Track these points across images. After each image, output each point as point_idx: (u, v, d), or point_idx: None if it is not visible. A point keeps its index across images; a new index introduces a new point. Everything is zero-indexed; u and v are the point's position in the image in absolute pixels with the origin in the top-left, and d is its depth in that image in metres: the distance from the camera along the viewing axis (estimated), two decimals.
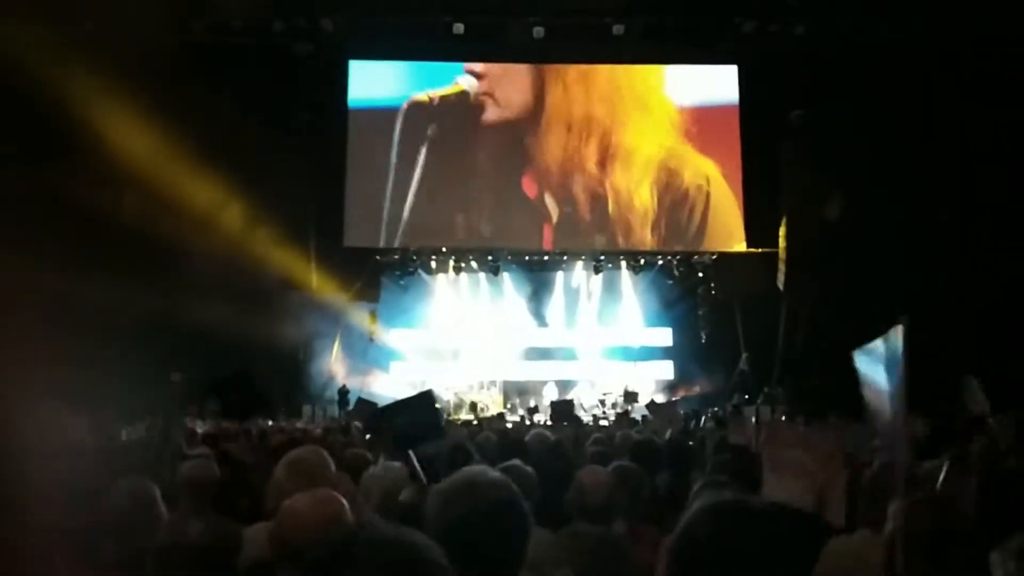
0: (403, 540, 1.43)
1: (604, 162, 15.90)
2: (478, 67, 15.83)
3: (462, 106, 15.72)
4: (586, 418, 13.17)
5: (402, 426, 4.29)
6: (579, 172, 15.92)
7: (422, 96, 15.54)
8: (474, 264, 17.41)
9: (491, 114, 15.74)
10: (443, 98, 15.60)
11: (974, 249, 13.54)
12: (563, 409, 8.55)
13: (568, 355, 17.58)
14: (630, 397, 14.88)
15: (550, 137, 15.82)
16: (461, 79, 15.74)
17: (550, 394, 16.59)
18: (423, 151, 15.46)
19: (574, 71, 16.09)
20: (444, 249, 16.59)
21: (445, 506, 1.68)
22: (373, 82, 16.02)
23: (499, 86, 15.82)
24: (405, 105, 15.50)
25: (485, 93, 15.69)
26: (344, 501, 2.10)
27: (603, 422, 12.40)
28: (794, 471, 2.29)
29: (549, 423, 9.21)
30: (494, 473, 1.78)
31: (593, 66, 16.15)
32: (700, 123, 16.14)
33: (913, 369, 2.06)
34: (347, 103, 16.18)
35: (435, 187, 15.73)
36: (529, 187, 15.99)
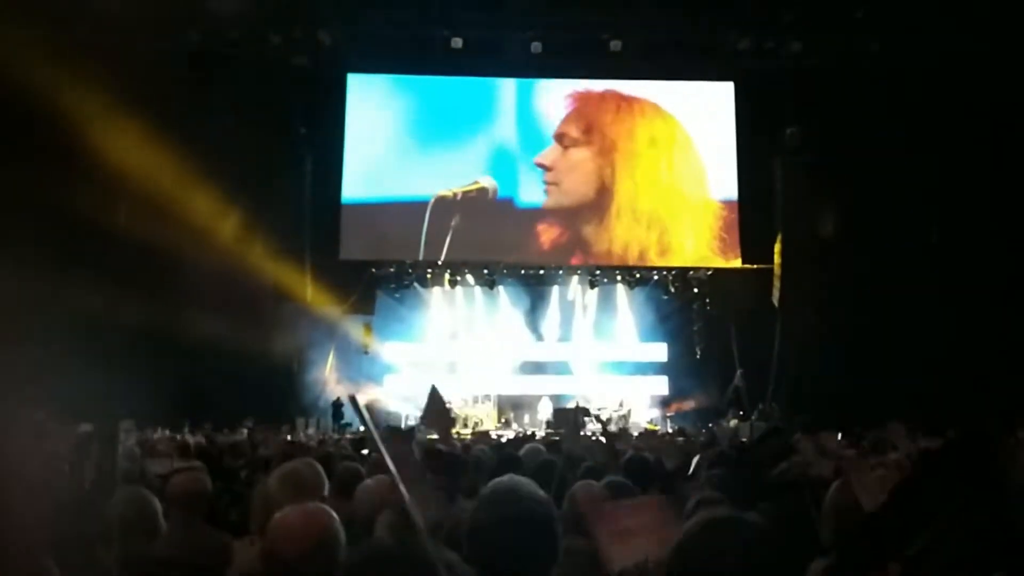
0: (417, 555, 1.38)
1: (664, 252, 16.69)
2: (547, 159, 16.62)
3: (481, 201, 16.38)
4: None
5: None
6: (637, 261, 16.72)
7: (447, 192, 16.28)
8: (470, 278, 17.40)
9: (551, 201, 16.60)
10: (465, 193, 16.39)
11: (969, 264, 13.58)
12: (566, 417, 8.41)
13: (563, 369, 17.54)
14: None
15: (616, 227, 16.51)
16: (481, 179, 16.45)
17: (544, 409, 16.54)
18: (448, 239, 16.18)
19: (641, 163, 16.60)
20: (440, 262, 16.59)
21: (486, 508, 1.68)
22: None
23: (566, 176, 16.62)
24: (432, 200, 16.16)
25: (550, 183, 16.61)
26: (335, 515, 2.08)
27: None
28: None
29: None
30: (539, 490, 1.79)
31: (657, 159, 16.67)
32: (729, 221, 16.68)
33: (908, 377, 2.04)
34: (344, 113, 16.29)
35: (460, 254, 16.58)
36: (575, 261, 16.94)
